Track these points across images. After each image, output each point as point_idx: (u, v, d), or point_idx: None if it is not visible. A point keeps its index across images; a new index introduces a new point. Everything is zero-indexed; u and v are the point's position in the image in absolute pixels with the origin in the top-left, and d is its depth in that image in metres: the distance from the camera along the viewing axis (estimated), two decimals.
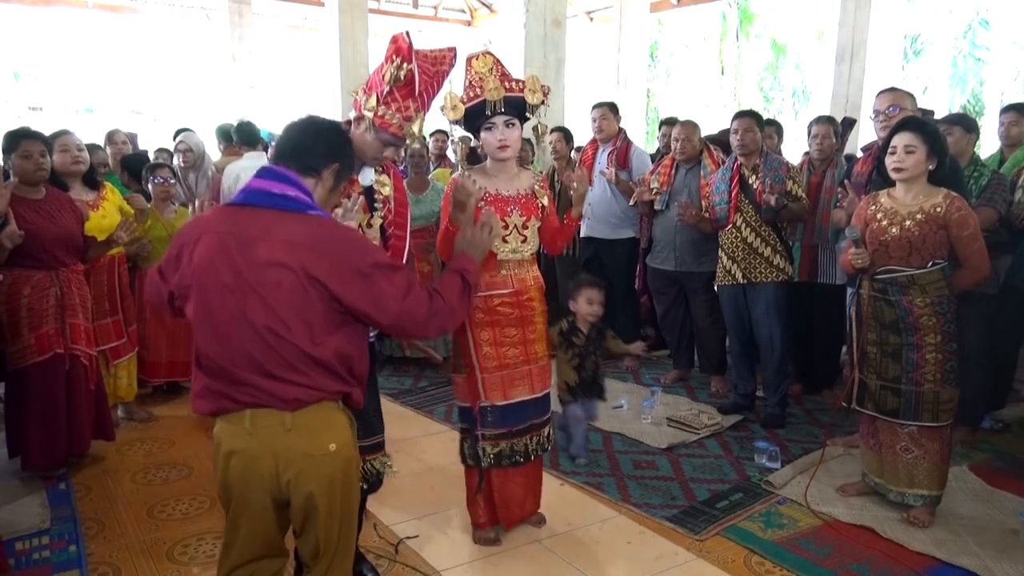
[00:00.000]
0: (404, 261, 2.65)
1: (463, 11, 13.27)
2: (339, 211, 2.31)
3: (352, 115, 2.46)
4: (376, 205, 2.54)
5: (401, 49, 2.32)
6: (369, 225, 2.49)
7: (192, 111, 13.11)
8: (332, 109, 8.03)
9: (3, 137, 3.61)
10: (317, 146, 1.94)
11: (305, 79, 14.58)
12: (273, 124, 9.93)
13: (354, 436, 1.97)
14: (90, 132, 6.71)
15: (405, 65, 2.30)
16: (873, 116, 3.65)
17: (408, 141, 2.40)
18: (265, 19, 12.23)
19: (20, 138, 3.52)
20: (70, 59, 16.66)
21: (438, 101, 2.61)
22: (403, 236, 2.64)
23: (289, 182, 1.87)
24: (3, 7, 11.36)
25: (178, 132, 6.06)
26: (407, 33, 2.36)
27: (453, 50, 2.50)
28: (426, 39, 13.84)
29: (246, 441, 1.84)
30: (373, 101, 2.35)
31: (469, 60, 2.79)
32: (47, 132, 3.84)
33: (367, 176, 2.51)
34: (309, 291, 1.78)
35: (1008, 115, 4.32)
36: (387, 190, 2.58)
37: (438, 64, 2.44)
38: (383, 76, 2.34)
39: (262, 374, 1.80)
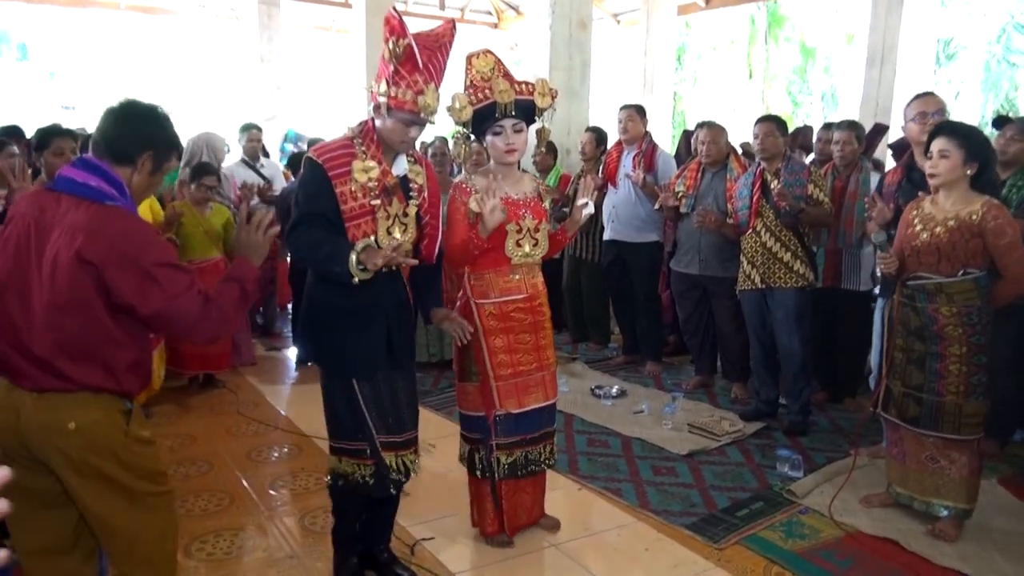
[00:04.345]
0: (437, 248, 2.67)
1: (490, 13, 13.25)
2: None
3: (370, 110, 2.48)
4: (411, 194, 2.55)
5: (394, 28, 2.36)
6: (405, 214, 2.50)
7: (220, 111, 13.25)
8: (359, 110, 8.07)
9: (35, 134, 3.67)
10: (129, 135, 1.96)
11: (332, 80, 14.68)
12: (300, 125, 10.04)
13: (119, 419, 1.94)
14: None
15: (401, 41, 2.34)
16: (916, 119, 3.56)
17: (424, 115, 2.38)
18: (293, 21, 12.32)
19: (53, 135, 3.55)
20: (103, 59, 16.92)
21: (445, 98, 2.61)
22: (436, 225, 2.67)
23: (95, 171, 1.91)
24: (39, 8, 11.57)
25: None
26: (394, 8, 2.40)
27: (451, 22, 2.54)
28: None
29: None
30: (384, 86, 2.38)
31: (469, 59, 2.76)
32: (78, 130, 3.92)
33: (400, 165, 2.53)
34: (82, 276, 1.81)
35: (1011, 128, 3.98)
36: (422, 179, 2.59)
37: (438, 38, 2.46)
38: (384, 57, 2.39)
39: (28, 356, 1.85)
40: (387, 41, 2.37)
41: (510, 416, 2.88)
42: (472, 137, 2.83)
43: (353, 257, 2.26)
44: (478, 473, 2.98)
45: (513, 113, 2.71)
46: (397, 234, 2.47)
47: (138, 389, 2.03)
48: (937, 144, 3.00)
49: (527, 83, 2.76)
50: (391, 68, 2.37)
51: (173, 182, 5.08)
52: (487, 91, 2.68)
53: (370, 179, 2.40)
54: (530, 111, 2.77)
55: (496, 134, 2.74)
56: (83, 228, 1.83)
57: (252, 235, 2.12)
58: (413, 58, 2.36)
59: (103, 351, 1.89)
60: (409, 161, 2.57)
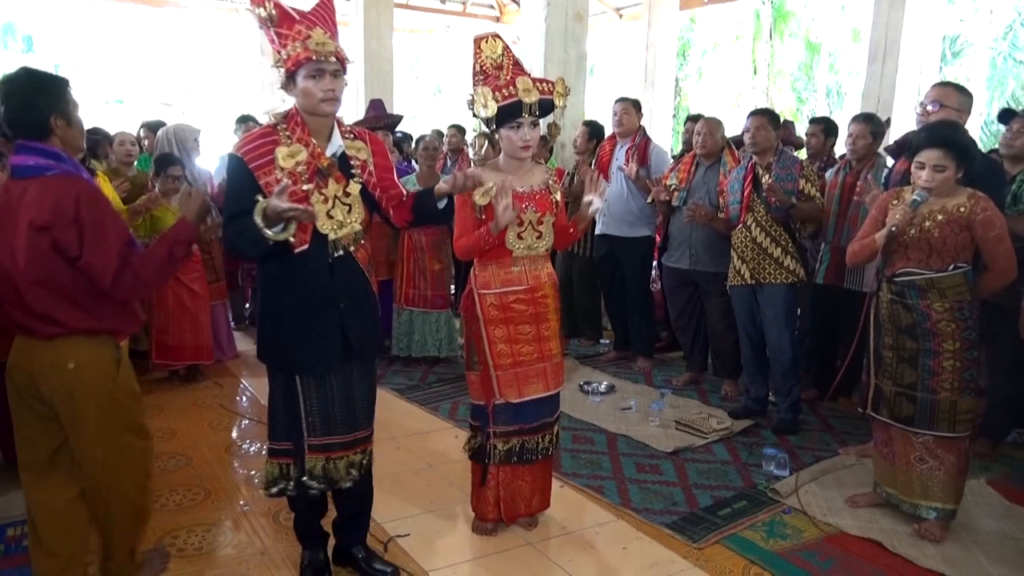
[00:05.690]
0: (405, 196, 2.57)
1: (492, 7, 13.15)
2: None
3: (289, 100, 2.37)
4: (353, 171, 2.42)
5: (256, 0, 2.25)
6: (347, 194, 2.37)
7: (220, 104, 13.22)
8: (356, 102, 8.01)
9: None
10: (21, 118, 2.15)
11: None
12: None
13: (110, 364, 2.27)
14: (120, 122, 7.02)
15: (268, 4, 2.23)
16: (919, 107, 3.52)
17: (320, 57, 2.21)
18: None
19: None
20: (104, 51, 16.94)
21: (459, 93, 2.55)
22: (399, 193, 2.57)
23: (31, 151, 2.16)
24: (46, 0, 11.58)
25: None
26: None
27: None
28: (455, 34, 13.79)
29: (15, 358, 2.26)
30: (275, 59, 2.28)
31: (477, 42, 2.74)
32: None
33: (335, 144, 2.40)
34: (38, 241, 2.10)
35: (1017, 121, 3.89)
36: (364, 154, 2.47)
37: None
38: (262, 28, 2.28)
39: (29, 314, 2.18)
40: (253, 11, 2.24)
41: (509, 405, 2.88)
42: (488, 131, 2.78)
43: (258, 220, 2.10)
44: (486, 459, 2.97)
45: (537, 112, 2.72)
46: (340, 216, 2.34)
47: (129, 327, 2.34)
48: (932, 158, 2.91)
49: (548, 82, 2.76)
50: (272, 35, 2.26)
51: (147, 169, 5.07)
52: (511, 88, 2.67)
53: (298, 164, 2.28)
54: (548, 109, 2.78)
55: (514, 129, 2.73)
56: (30, 203, 2.10)
57: (197, 197, 2.37)
58: (287, 14, 2.25)
59: (83, 299, 2.18)
60: (348, 138, 2.44)
